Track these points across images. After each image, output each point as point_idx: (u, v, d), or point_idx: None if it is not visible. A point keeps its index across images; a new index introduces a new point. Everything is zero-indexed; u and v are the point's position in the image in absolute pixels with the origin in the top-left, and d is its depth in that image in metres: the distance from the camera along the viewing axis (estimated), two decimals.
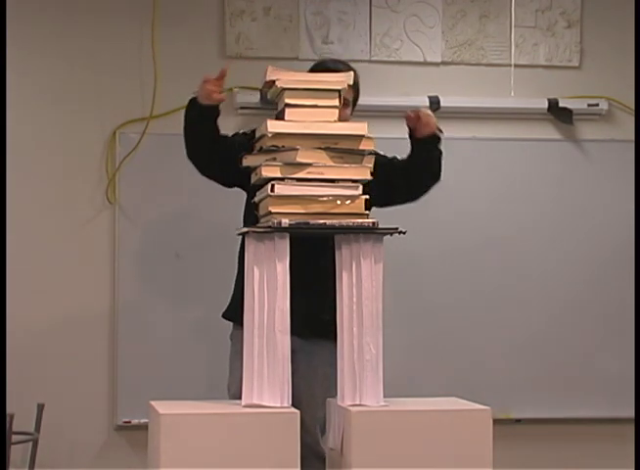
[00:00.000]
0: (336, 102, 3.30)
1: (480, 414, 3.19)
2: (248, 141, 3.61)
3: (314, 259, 3.56)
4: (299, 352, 3.56)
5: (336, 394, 3.30)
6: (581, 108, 5.25)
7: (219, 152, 3.69)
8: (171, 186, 4.96)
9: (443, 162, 3.85)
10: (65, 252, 4.96)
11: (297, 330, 3.30)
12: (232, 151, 3.57)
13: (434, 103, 5.14)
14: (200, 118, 3.64)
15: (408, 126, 3.82)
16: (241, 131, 3.85)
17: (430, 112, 3.83)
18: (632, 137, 5.20)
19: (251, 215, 3.55)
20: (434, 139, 3.80)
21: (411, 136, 3.83)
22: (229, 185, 3.82)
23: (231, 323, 3.80)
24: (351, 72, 3.44)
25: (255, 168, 3.33)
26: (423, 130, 3.78)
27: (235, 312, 3.61)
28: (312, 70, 3.66)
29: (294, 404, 3.19)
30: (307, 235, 3.26)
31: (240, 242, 3.73)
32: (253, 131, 3.56)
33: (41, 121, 4.97)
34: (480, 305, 5.14)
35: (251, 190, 3.55)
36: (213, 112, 3.63)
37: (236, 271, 3.78)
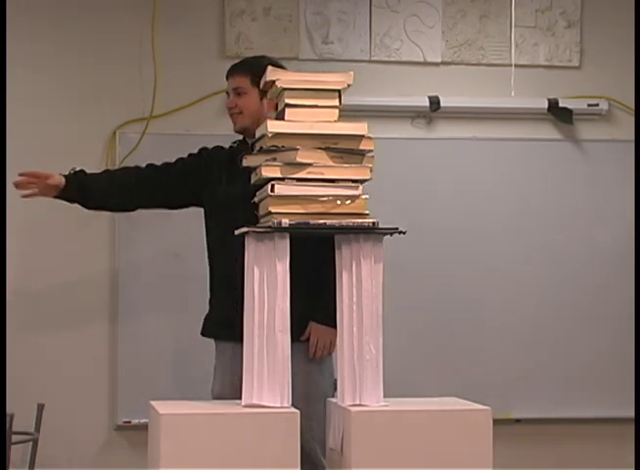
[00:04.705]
0: (336, 102, 3.30)
1: (480, 414, 3.19)
2: (193, 161, 3.96)
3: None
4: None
5: (325, 387, 3.33)
6: (581, 108, 5.25)
7: (136, 196, 3.98)
8: None
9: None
10: (64, 252, 4.96)
11: None
12: (156, 184, 3.93)
13: (434, 103, 5.14)
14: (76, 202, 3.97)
15: None
16: (188, 154, 4.04)
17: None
18: (632, 137, 5.20)
19: (212, 232, 3.83)
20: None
21: None
22: (173, 208, 4.07)
23: None
24: (351, 73, 3.42)
25: (255, 168, 3.34)
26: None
27: (211, 330, 3.94)
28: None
29: None
30: (307, 235, 3.26)
31: (208, 265, 3.95)
32: (202, 149, 3.98)
33: (41, 122, 4.98)
34: (480, 304, 5.14)
35: (208, 206, 3.88)
36: (67, 196, 3.92)
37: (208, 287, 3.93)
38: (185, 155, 4.04)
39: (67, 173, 3.94)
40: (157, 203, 4.04)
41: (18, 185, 3.90)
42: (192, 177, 3.94)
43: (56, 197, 3.93)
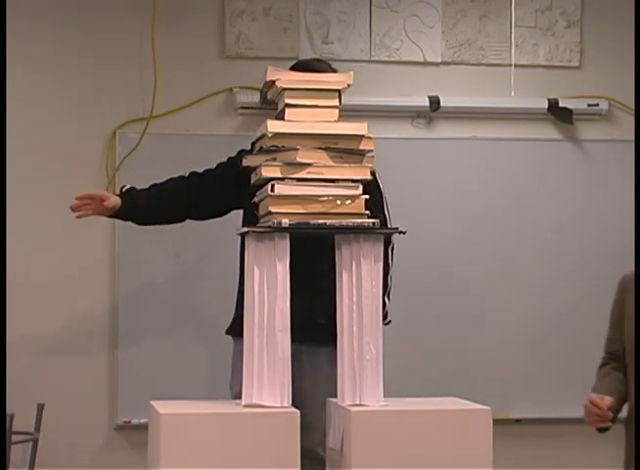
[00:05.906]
0: (336, 102, 3.31)
1: (480, 414, 3.19)
2: (233, 165, 3.84)
3: (309, 261, 3.56)
4: (303, 352, 3.58)
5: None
6: (581, 108, 5.25)
7: (183, 210, 3.95)
8: None
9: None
10: (64, 252, 4.96)
11: (296, 335, 3.29)
12: (203, 193, 3.90)
13: (434, 103, 5.14)
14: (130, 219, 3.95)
15: None
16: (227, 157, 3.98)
17: None
18: (632, 137, 5.19)
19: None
20: None
21: None
22: (221, 215, 4.01)
23: None
24: (351, 73, 3.43)
25: (255, 168, 3.34)
26: None
27: (234, 328, 3.78)
28: (293, 69, 3.64)
29: (297, 406, 3.19)
30: (307, 235, 3.26)
31: (239, 262, 3.81)
32: (240, 151, 3.86)
33: (41, 121, 4.98)
34: (480, 304, 5.14)
35: (247, 205, 3.69)
36: (121, 215, 3.90)
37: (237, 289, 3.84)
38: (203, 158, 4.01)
39: (119, 193, 3.92)
40: (205, 209, 3.98)
41: (74, 209, 3.89)
42: (234, 179, 3.84)
43: (110, 216, 3.93)
